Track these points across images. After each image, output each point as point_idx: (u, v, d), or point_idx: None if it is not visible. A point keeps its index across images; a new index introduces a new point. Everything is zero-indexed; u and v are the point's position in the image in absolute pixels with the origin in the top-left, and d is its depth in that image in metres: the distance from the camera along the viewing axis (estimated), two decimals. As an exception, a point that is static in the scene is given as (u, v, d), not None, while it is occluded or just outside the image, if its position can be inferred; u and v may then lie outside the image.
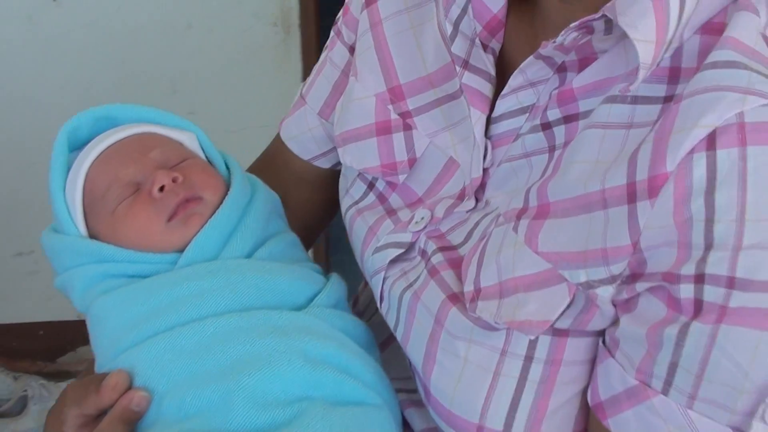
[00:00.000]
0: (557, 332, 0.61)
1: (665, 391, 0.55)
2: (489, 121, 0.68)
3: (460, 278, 0.66)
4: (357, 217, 0.78)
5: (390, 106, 0.75)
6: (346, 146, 0.78)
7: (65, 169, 0.76)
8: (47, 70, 1.94)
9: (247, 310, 0.69)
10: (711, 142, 0.51)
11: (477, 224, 0.67)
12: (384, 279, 0.73)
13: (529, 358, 0.62)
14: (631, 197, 0.54)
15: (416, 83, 0.74)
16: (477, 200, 0.69)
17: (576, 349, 0.61)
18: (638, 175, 0.54)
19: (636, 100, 0.57)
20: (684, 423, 0.54)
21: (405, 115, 0.74)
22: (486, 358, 0.63)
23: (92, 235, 0.75)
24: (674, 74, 0.56)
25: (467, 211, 0.69)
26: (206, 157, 0.81)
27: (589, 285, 0.58)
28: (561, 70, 0.62)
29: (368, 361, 0.72)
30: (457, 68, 0.68)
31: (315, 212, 0.96)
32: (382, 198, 0.77)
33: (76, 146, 0.78)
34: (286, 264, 0.75)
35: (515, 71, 0.63)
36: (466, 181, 0.69)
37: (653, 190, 0.53)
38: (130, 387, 0.66)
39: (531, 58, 0.62)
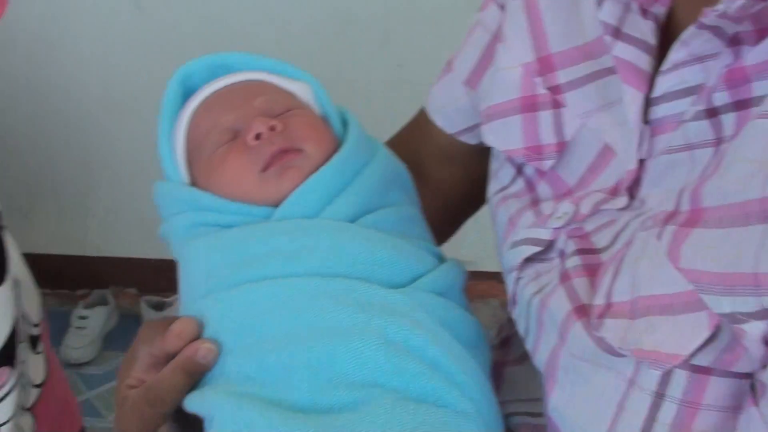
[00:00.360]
0: (697, 368, 0.51)
1: None
2: (650, 103, 0.57)
3: (594, 287, 0.56)
4: (501, 205, 0.70)
5: (537, 79, 0.65)
6: (490, 124, 0.69)
7: (174, 115, 0.75)
8: (267, 17, 1.97)
9: (335, 277, 0.63)
10: None
11: (626, 226, 0.58)
12: (517, 279, 0.65)
13: (660, 395, 0.52)
14: None
15: (570, 53, 0.64)
16: (632, 197, 0.59)
17: (720, 391, 0.51)
18: None
19: None
20: None
21: (554, 90, 0.65)
22: (611, 385, 0.54)
23: (194, 184, 0.73)
24: None
25: (618, 210, 0.59)
26: (322, 111, 0.75)
27: (734, 318, 0.47)
28: (735, 42, 0.51)
29: (466, 362, 0.63)
30: (607, 38, 0.58)
31: (459, 193, 0.87)
32: (530, 186, 0.68)
33: (190, 94, 0.76)
34: (392, 237, 0.68)
35: (676, 43, 0.53)
36: (622, 173, 0.60)
37: None
38: (198, 336, 0.63)
39: (693, 27, 0.51)
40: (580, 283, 0.58)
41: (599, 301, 0.55)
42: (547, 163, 0.65)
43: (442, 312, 0.66)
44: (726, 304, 0.47)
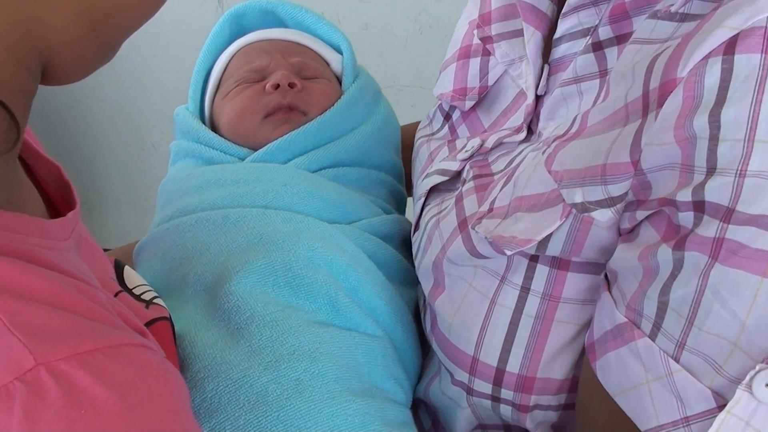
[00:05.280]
0: (555, 263, 0.55)
1: (653, 335, 0.47)
2: (552, 44, 0.61)
3: (481, 201, 0.61)
4: (425, 144, 0.75)
5: (475, 31, 0.71)
6: (439, 76, 0.75)
7: (218, 48, 0.81)
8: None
9: (277, 209, 0.67)
10: (731, 45, 0.42)
11: (521, 153, 0.61)
12: (423, 206, 0.69)
13: (525, 289, 0.56)
14: (645, 109, 0.47)
15: (506, 9, 0.69)
16: (531, 132, 0.63)
17: (576, 285, 0.55)
18: (652, 82, 0.46)
19: (684, 18, 0.48)
20: (663, 374, 0.46)
21: (486, 40, 0.69)
22: (487, 283, 0.58)
23: (212, 114, 0.79)
24: None
25: (519, 143, 0.63)
26: (342, 77, 0.81)
27: (584, 207, 0.51)
28: None
29: (384, 290, 0.67)
30: None
31: None
32: (452, 129, 0.73)
33: (240, 33, 0.82)
34: (341, 186, 0.73)
35: None
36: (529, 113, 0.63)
37: (661, 99, 0.45)
38: None
39: None
40: (469, 200, 0.61)
41: (484, 208, 0.59)
42: (468, 104, 0.69)
43: (373, 248, 0.70)
44: (578, 195, 0.51)
